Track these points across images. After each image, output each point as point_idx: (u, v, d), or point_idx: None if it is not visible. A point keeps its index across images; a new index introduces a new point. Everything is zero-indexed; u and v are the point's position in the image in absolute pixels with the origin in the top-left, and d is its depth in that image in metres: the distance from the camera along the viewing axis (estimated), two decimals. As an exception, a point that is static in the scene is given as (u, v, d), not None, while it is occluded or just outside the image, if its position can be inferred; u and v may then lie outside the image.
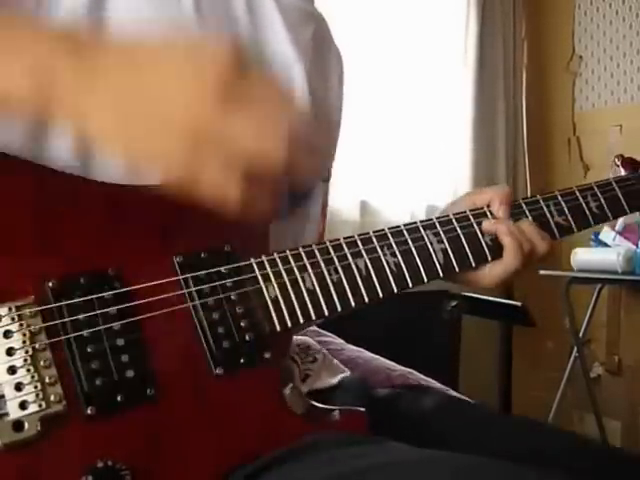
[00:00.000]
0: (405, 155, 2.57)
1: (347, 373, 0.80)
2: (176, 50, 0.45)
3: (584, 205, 0.76)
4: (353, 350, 1.18)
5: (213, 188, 0.45)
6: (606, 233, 2.35)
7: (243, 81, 0.44)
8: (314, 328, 1.16)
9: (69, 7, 0.57)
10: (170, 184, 0.46)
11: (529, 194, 0.75)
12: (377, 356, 1.17)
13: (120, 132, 0.44)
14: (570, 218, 0.74)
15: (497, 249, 0.70)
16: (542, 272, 2.31)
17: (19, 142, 0.55)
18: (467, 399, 0.94)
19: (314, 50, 0.75)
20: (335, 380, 0.77)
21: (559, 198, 0.75)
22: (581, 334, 2.47)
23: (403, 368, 1.07)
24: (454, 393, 1.03)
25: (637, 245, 2.27)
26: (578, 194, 0.76)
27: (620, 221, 2.19)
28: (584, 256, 2.29)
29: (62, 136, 0.57)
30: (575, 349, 2.44)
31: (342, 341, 1.23)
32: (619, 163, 0.86)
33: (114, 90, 0.44)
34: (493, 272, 0.70)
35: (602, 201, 0.77)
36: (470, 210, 0.70)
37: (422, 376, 1.06)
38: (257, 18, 0.69)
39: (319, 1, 0.81)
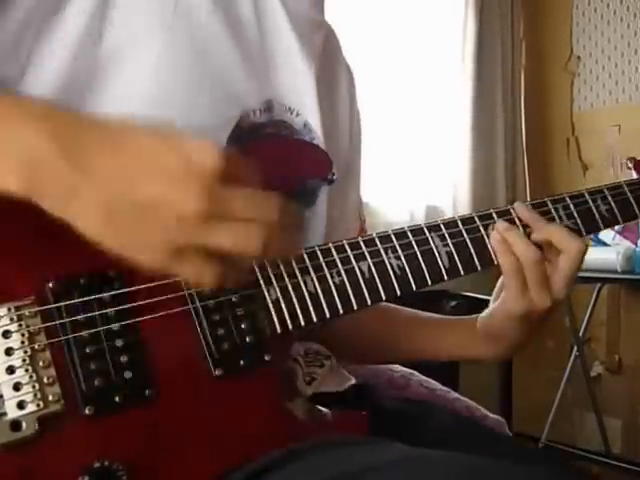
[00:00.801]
0: (404, 155, 2.57)
1: (353, 381, 0.80)
2: (165, 144, 0.46)
3: (594, 209, 0.73)
4: (355, 351, 1.17)
5: (189, 275, 0.48)
6: (605, 232, 2.35)
7: (227, 191, 0.46)
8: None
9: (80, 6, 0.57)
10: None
11: (528, 194, 0.73)
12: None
13: (104, 230, 0.46)
14: (579, 222, 0.72)
15: None
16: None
17: None
18: (474, 417, 0.94)
19: (323, 60, 0.75)
20: (341, 388, 0.77)
21: (568, 201, 0.72)
22: (581, 333, 2.47)
23: (405, 369, 1.07)
24: (454, 394, 1.03)
25: (636, 244, 2.27)
26: (588, 197, 0.73)
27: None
28: (583, 255, 2.28)
29: None
30: (575, 348, 2.44)
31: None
32: (631, 165, 0.84)
33: (99, 185, 0.45)
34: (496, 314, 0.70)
35: (612, 204, 0.74)
36: (476, 212, 0.69)
37: (423, 377, 1.06)
38: (265, 27, 0.69)
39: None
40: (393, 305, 0.80)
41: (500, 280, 0.70)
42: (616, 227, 2.25)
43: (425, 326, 0.79)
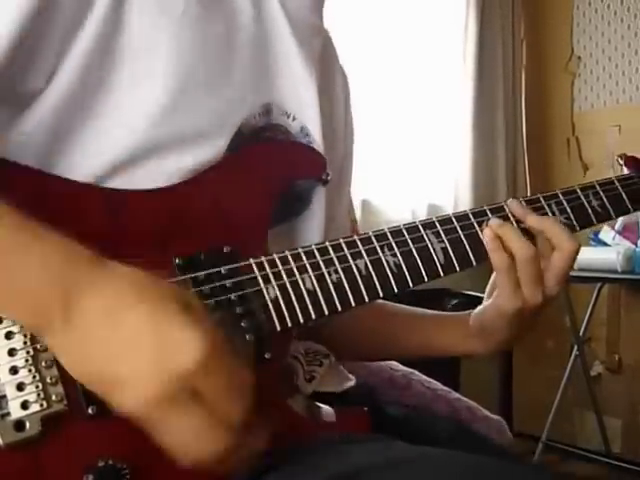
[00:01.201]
0: (406, 154, 2.58)
1: (353, 382, 0.80)
2: (165, 307, 0.45)
3: (586, 204, 0.74)
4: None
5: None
6: (606, 232, 2.36)
7: (207, 380, 0.45)
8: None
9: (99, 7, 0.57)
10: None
11: (529, 193, 0.73)
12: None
13: (83, 372, 0.46)
14: (572, 217, 0.72)
15: None
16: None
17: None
18: (477, 429, 0.94)
19: (321, 65, 0.75)
20: (341, 387, 0.77)
21: (561, 197, 0.73)
22: (581, 333, 2.47)
23: (406, 369, 1.07)
24: (455, 394, 1.03)
25: (636, 244, 2.27)
26: (580, 193, 0.74)
27: (619, 220, 2.20)
28: (584, 255, 2.27)
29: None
30: (575, 348, 2.44)
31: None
32: (622, 162, 0.84)
33: (88, 338, 0.45)
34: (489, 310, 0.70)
35: (605, 200, 0.75)
36: (470, 209, 0.70)
37: (425, 377, 1.06)
38: (265, 30, 0.68)
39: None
40: (390, 303, 0.81)
41: (492, 277, 0.70)
42: (616, 227, 2.25)
43: (420, 323, 0.80)
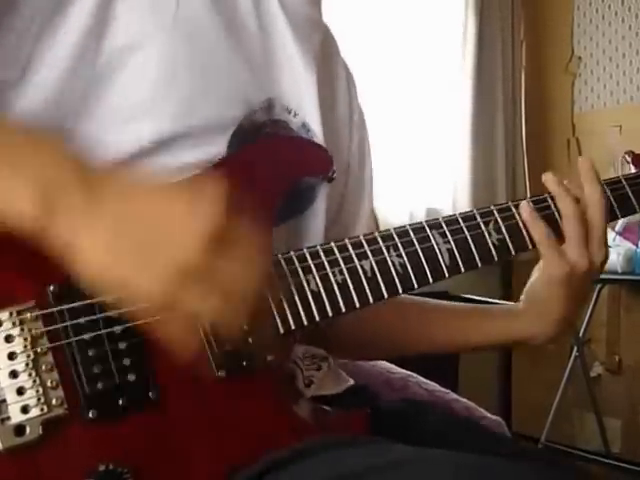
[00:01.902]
0: (404, 157, 2.58)
1: (351, 382, 0.80)
2: (176, 187, 0.50)
3: None
4: (354, 351, 1.17)
5: (192, 304, 0.49)
6: (606, 233, 2.35)
7: (231, 226, 0.48)
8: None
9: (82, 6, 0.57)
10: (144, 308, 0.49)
11: (528, 195, 0.73)
12: (378, 358, 1.17)
13: (108, 260, 0.47)
14: None
15: (504, 250, 0.68)
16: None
17: None
18: (471, 415, 0.94)
19: (321, 60, 0.75)
20: (340, 389, 0.77)
21: None
22: (581, 334, 2.47)
23: (403, 371, 1.07)
24: (453, 395, 1.03)
25: (637, 245, 2.27)
26: None
27: (620, 221, 2.20)
28: (584, 256, 2.29)
29: None
30: (575, 349, 2.44)
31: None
32: (629, 159, 0.83)
33: (111, 214, 0.47)
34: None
35: (612, 200, 0.73)
36: (477, 209, 0.69)
37: (422, 379, 1.06)
38: (264, 26, 0.68)
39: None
40: (408, 296, 0.80)
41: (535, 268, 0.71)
42: (617, 228, 2.25)
43: (459, 314, 0.80)
